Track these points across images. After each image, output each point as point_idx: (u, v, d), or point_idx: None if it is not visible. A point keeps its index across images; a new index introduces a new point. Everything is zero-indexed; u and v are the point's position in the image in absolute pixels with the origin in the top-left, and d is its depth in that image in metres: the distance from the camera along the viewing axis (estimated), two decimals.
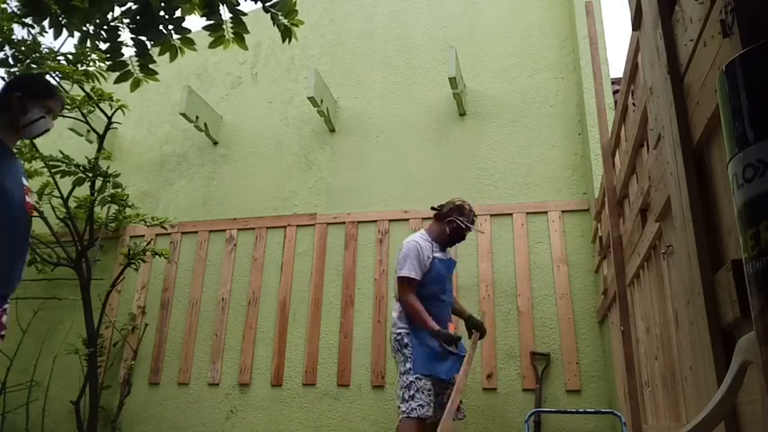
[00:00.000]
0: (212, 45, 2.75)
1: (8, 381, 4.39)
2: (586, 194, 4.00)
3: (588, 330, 3.74)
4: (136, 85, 2.84)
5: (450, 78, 4.18)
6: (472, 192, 4.17)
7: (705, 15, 1.05)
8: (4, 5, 3.26)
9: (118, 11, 2.58)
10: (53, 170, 4.20)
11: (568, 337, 3.73)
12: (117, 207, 4.53)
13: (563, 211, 4.05)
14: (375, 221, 4.41)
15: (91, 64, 3.83)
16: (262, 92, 5.24)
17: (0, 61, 3.16)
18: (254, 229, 4.69)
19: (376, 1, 5.26)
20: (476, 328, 3.20)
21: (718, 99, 0.82)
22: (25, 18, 3.03)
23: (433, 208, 3.34)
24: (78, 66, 3.79)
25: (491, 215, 4.14)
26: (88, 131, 4.73)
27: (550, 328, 3.80)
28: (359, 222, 4.45)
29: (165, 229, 4.55)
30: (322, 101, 4.55)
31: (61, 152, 4.20)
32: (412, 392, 2.86)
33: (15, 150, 2.27)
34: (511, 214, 4.14)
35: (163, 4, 2.56)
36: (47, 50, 3.52)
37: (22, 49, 3.29)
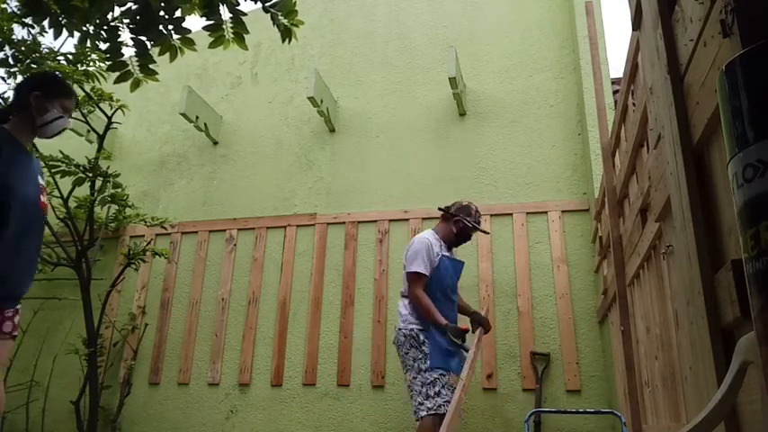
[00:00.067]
0: (212, 45, 2.75)
1: (8, 381, 4.38)
2: (586, 194, 4.00)
3: (588, 330, 3.74)
4: (136, 85, 2.84)
5: (450, 78, 4.18)
6: (472, 192, 4.18)
7: (705, 15, 1.05)
8: (4, 5, 3.26)
9: (118, 11, 2.58)
10: (53, 170, 4.20)
11: (568, 337, 3.73)
12: (117, 207, 4.53)
13: (563, 211, 4.05)
14: (375, 221, 4.41)
15: (91, 64, 3.83)
16: (262, 92, 5.24)
17: (0, 61, 3.17)
18: (254, 229, 4.69)
19: (376, 1, 5.26)
20: (479, 323, 3.22)
21: (718, 99, 0.82)
22: (25, 18, 3.04)
23: (440, 209, 3.41)
24: (78, 66, 3.79)
25: (491, 215, 4.14)
26: (88, 131, 4.73)
27: (550, 328, 3.80)
28: (359, 222, 4.45)
29: (165, 229, 4.55)
30: (322, 101, 4.55)
31: (61, 152, 4.20)
32: (437, 389, 2.88)
33: None
34: (511, 214, 4.14)
35: (163, 4, 2.56)
36: (47, 50, 3.53)
37: (22, 49, 3.30)
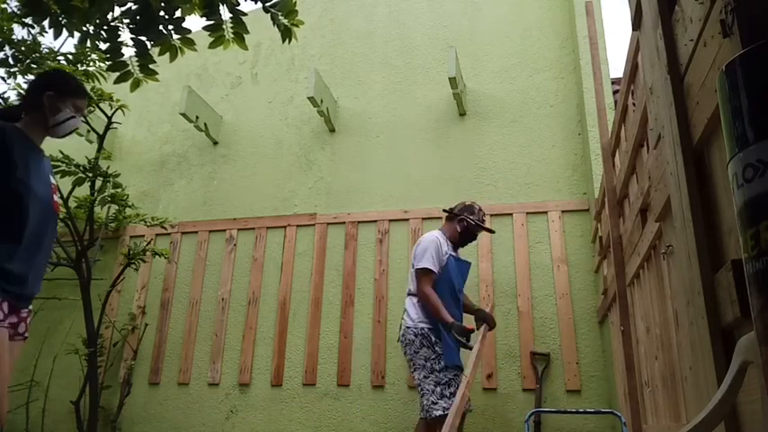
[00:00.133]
0: (212, 45, 2.75)
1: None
2: (586, 194, 4.00)
3: (588, 330, 3.74)
4: (136, 85, 2.84)
5: (450, 78, 4.18)
6: (472, 192, 4.18)
7: (705, 15, 1.05)
8: (4, 5, 3.26)
9: (118, 11, 2.58)
10: (53, 170, 4.19)
11: (568, 337, 3.73)
12: (117, 207, 4.53)
13: (563, 211, 4.05)
14: (375, 221, 4.41)
15: (91, 64, 3.83)
16: (262, 92, 5.24)
17: (0, 61, 3.17)
18: (254, 229, 4.69)
19: (376, 1, 5.26)
20: (483, 320, 3.23)
21: (718, 99, 0.82)
22: (25, 18, 3.04)
23: (444, 210, 3.48)
24: (78, 66, 3.79)
25: (491, 215, 4.14)
26: (88, 131, 4.73)
27: (550, 328, 3.80)
28: (359, 222, 4.45)
29: (165, 229, 4.55)
30: (322, 101, 4.55)
31: (61, 152, 4.20)
32: (453, 389, 2.90)
33: None
34: (511, 214, 4.14)
35: (163, 4, 2.56)
36: (47, 50, 3.53)
37: (22, 49, 3.30)
